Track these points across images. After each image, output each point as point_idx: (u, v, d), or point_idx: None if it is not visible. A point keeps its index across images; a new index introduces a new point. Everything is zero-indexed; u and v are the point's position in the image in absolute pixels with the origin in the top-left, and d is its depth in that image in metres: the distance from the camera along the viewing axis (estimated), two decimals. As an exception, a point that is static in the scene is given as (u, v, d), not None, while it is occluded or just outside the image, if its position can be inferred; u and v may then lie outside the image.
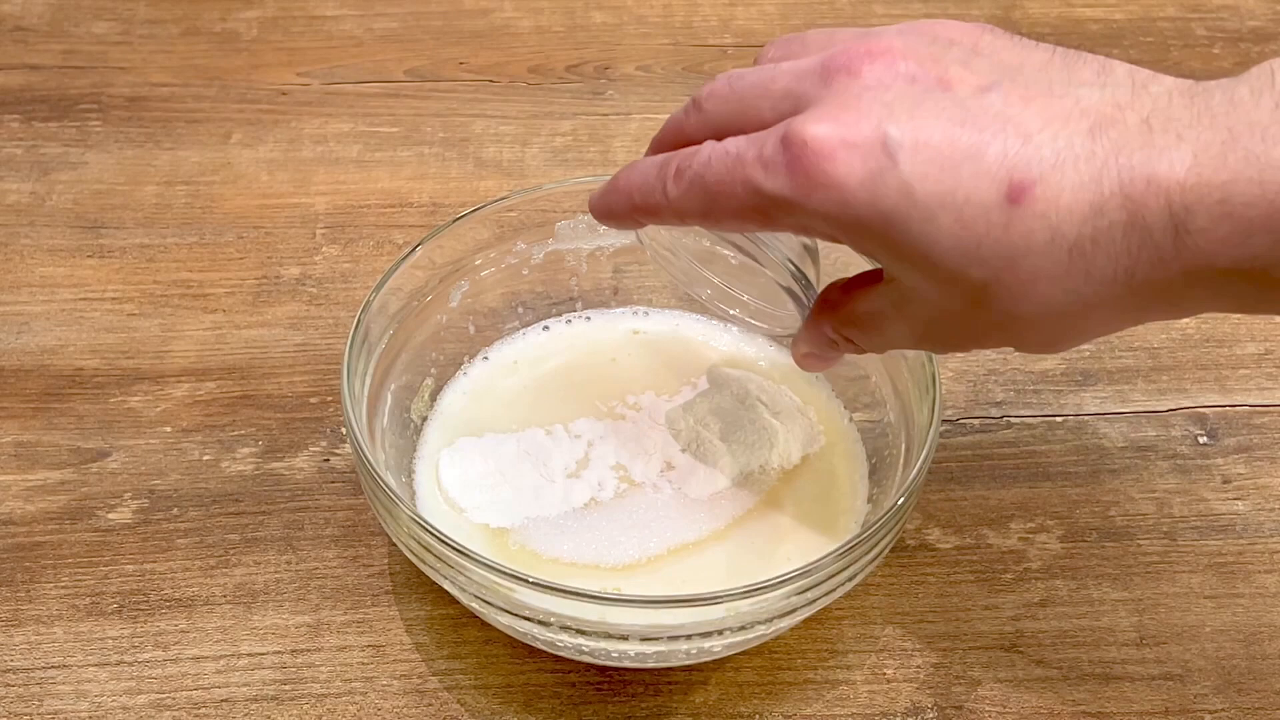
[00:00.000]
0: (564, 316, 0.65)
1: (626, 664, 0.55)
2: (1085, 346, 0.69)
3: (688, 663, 0.55)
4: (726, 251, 0.53)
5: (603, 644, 0.50)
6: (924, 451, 0.52)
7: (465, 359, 0.63)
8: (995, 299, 0.41)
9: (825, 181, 0.40)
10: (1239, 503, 0.62)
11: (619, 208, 0.48)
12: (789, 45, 0.46)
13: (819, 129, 0.40)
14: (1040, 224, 0.39)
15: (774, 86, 0.44)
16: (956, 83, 0.41)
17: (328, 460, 0.63)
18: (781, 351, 0.64)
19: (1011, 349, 0.50)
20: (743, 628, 0.50)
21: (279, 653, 0.56)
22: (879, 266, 0.46)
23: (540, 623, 0.50)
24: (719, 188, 0.43)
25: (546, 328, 0.65)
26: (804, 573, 0.49)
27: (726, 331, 0.65)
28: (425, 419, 0.61)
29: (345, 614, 0.57)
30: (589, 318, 0.65)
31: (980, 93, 0.41)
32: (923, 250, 0.41)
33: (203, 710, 0.54)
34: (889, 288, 0.45)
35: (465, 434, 0.60)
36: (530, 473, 0.58)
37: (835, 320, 0.49)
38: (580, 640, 0.50)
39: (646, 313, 0.65)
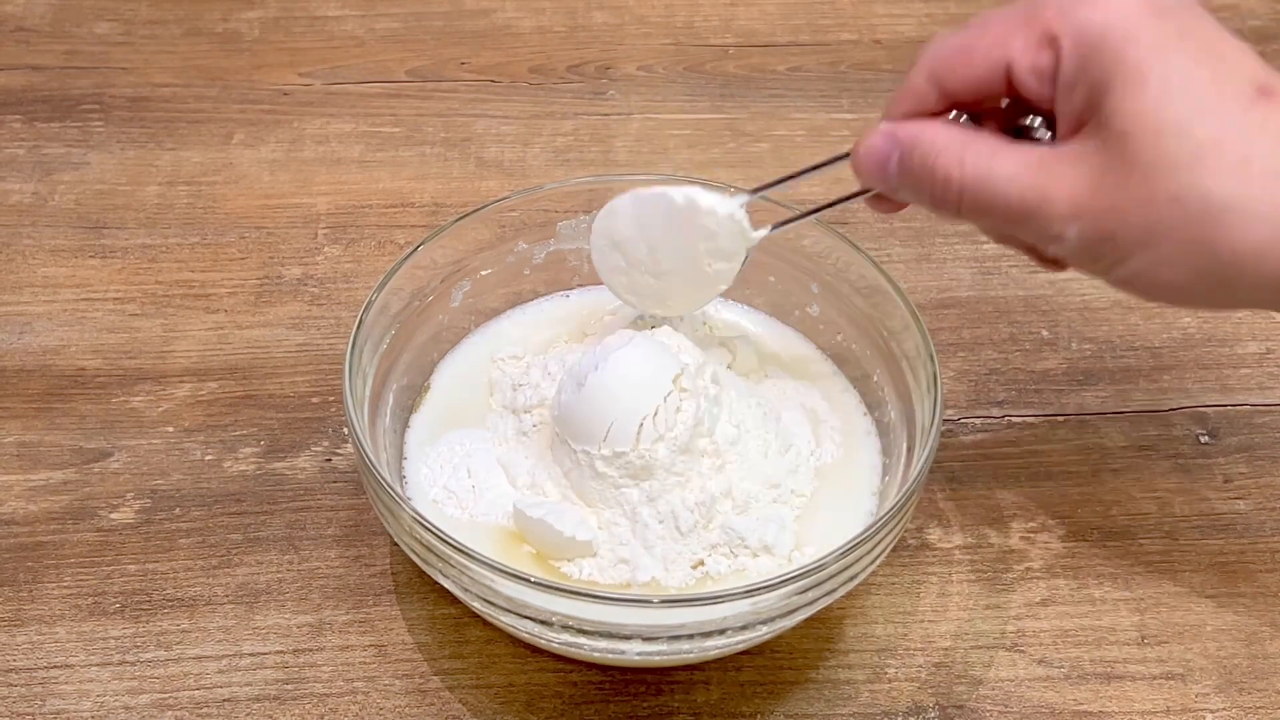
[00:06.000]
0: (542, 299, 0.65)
1: (629, 663, 0.55)
2: (1086, 345, 0.69)
3: (690, 662, 0.55)
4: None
5: (605, 644, 0.50)
6: (925, 451, 0.52)
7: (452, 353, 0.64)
8: (1204, 166, 0.42)
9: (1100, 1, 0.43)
10: (1240, 502, 0.62)
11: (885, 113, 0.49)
12: None
13: None
14: (1277, 123, 0.42)
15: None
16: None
17: (329, 460, 0.63)
18: (806, 343, 0.64)
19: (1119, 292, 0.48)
20: (744, 627, 0.50)
21: (281, 652, 0.56)
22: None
23: (542, 622, 0.50)
24: (984, 21, 0.45)
25: (526, 311, 0.65)
26: (805, 572, 0.49)
27: (745, 317, 0.65)
28: (416, 414, 0.61)
29: (347, 614, 0.58)
30: (568, 296, 0.65)
31: (1224, 27, 0.44)
32: (1171, 87, 0.42)
33: (205, 710, 0.54)
34: (1084, 145, 0.44)
35: (454, 428, 0.60)
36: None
37: (974, 150, 0.46)
38: (582, 640, 0.50)
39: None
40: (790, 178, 0.55)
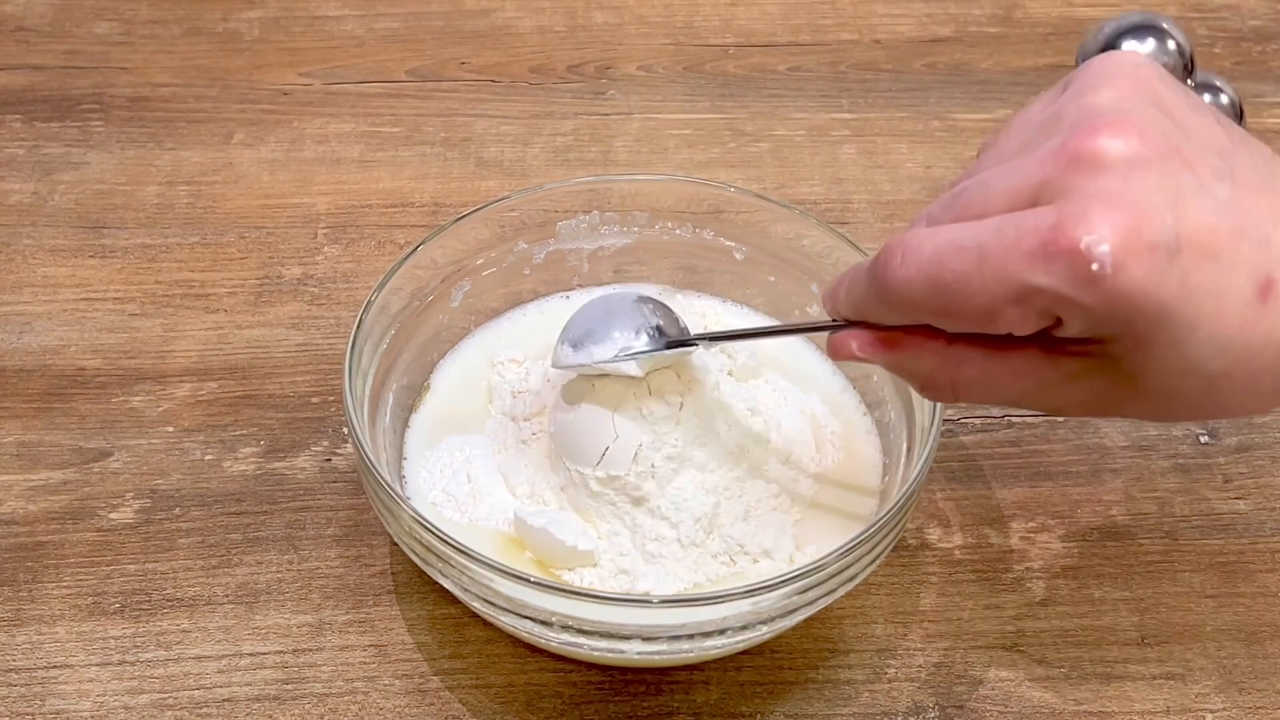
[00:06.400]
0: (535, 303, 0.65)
1: (629, 663, 0.55)
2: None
3: (690, 662, 0.55)
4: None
5: (605, 644, 0.50)
6: (925, 451, 0.52)
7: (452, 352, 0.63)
8: (1216, 390, 0.40)
9: (1109, 278, 0.38)
10: (1240, 502, 0.62)
11: (828, 309, 0.46)
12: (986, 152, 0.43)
13: (1099, 229, 0.38)
14: (1277, 325, 0.40)
15: (1000, 186, 0.41)
16: (1196, 165, 0.40)
17: (329, 460, 0.63)
18: (806, 343, 0.63)
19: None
20: (744, 627, 0.50)
21: (281, 652, 0.56)
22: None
23: (542, 622, 0.50)
24: (960, 284, 0.40)
25: (526, 312, 0.65)
26: (804, 573, 0.49)
27: (745, 318, 0.65)
28: (416, 414, 0.61)
29: (347, 614, 0.58)
30: (567, 296, 0.65)
31: (1217, 180, 0.40)
32: (1179, 340, 0.39)
33: (205, 710, 0.54)
34: (1085, 363, 0.42)
35: (454, 429, 0.60)
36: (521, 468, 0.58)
37: (965, 377, 0.44)
38: (582, 640, 0.50)
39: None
40: (737, 336, 0.58)
